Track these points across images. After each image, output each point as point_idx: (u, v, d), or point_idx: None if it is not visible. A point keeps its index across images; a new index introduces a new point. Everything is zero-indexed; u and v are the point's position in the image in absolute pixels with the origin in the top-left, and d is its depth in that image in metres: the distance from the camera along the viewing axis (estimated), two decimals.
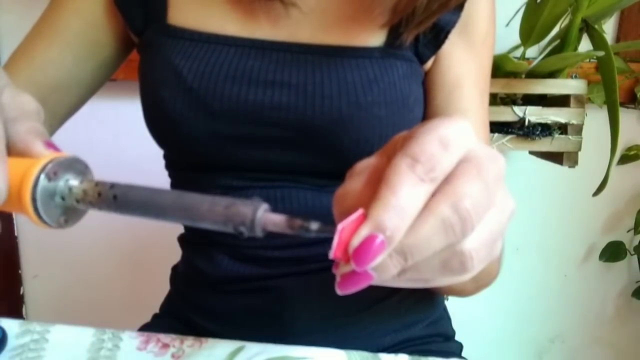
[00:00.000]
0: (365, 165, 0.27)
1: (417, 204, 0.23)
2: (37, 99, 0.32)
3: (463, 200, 0.23)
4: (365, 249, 0.23)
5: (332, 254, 0.24)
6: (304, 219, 0.24)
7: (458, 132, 0.25)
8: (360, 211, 0.24)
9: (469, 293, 0.53)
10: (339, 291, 0.25)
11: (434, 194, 0.24)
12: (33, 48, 0.54)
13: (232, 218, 0.24)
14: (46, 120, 0.33)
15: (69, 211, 0.28)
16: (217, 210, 0.25)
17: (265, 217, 0.24)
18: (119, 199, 0.27)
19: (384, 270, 0.24)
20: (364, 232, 0.23)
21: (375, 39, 0.50)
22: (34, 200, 0.26)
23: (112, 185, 0.27)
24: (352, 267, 0.24)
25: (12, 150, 0.29)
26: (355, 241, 0.23)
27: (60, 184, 0.27)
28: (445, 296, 0.67)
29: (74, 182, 0.28)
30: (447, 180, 0.24)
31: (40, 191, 0.27)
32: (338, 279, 0.25)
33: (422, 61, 0.52)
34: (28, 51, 0.54)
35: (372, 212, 0.23)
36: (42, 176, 0.27)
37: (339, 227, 0.23)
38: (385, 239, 0.23)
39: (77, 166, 0.28)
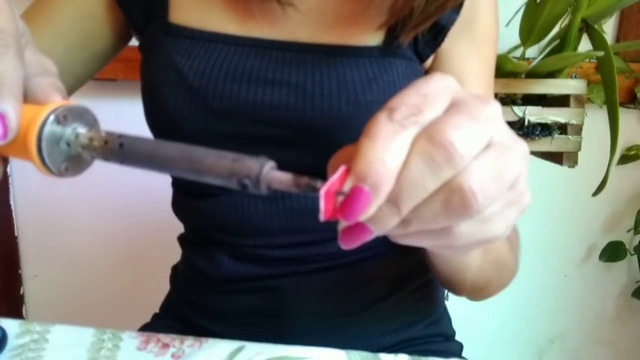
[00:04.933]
0: None
1: (398, 149, 0.23)
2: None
3: (439, 129, 0.23)
4: (350, 202, 0.23)
5: (322, 217, 0.23)
6: (311, 178, 0.23)
7: (437, 83, 0.25)
8: (342, 167, 0.23)
9: (492, 290, 0.52)
10: (342, 245, 0.25)
11: None
12: None
13: (237, 171, 0.24)
14: None
15: (72, 160, 0.28)
16: (223, 162, 0.24)
17: (271, 173, 0.24)
18: (125, 147, 0.26)
19: (380, 222, 0.24)
20: (347, 185, 0.23)
21: (374, 38, 0.50)
22: (39, 140, 0.26)
23: (120, 135, 0.27)
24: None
25: (31, 101, 0.29)
26: (340, 196, 0.23)
27: (68, 130, 0.27)
28: (446, 296, 0.67)
29: (82, 130, 0.28)
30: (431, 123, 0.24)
31: (47, 133, 0.26)
32: (339, 234, 0.25)
33: (422, 60, 0.52)
34: None
35: (353, 164, 0.23)
36: (52, 117, 0.26)
37: (322, 191, 0.23)
38: (369, 189, 0.23)
39: (87, 117, 0.28)
